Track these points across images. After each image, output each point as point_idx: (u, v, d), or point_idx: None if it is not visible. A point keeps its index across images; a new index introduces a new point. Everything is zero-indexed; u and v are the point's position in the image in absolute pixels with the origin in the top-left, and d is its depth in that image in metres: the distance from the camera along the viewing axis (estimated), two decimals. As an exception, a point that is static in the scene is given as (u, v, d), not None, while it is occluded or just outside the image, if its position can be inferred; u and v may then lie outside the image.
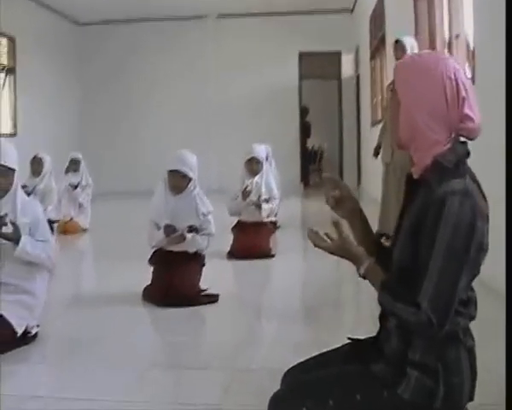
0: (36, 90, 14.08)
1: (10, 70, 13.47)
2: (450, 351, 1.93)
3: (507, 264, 1.91)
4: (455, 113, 1.92)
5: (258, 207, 6.48)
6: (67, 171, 9.06)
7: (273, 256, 6.37)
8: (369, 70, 12.68)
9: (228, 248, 6.42)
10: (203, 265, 4.76)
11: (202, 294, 4.66)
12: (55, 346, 3.75)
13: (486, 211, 1.92)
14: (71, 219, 8.88)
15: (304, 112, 16.76)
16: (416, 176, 2.03)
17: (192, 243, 4.62)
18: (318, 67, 16.28)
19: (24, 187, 6.86)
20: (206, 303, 4.52)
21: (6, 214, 3.51)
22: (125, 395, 2.96)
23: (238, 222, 6.59)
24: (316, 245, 2.08)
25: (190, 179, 4.61)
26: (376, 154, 7.27)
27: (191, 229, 4.61)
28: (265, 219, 6.61)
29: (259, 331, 4.16)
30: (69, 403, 2.88)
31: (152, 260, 4.75)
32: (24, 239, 3.52)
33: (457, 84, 1.91)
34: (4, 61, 13.37)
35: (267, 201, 6.51)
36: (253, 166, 6.44)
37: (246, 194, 6.36)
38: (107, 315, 4.39)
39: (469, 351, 1.97)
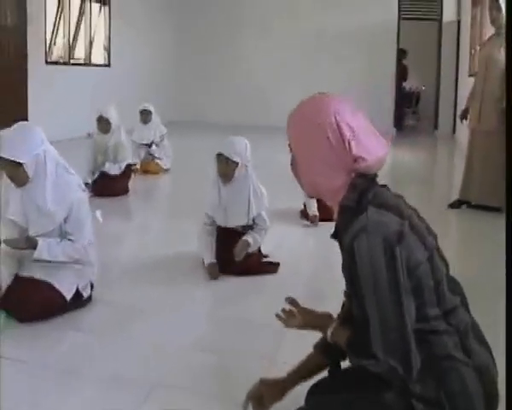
0: (130, 21, 14.14)
1: (105, 0, 13.55)
2: (450, 377, 1.81)
3: (507, 265, 1.83)
4: (345, 156, 1.86)
5: None
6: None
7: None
8: (469, 17, 12.05)
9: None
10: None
11: (263, 260, 4.63)
12: (105, 314, 3.77)
13: (405, 224, 1.81)
14: (152, 159, 8.96)
15: (401, 54, 16.20)
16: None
17: (254, 245, 4.50)
18: (419, 8, 15.63)
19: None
20: (264, 273, 4.47)
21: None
22: (165, 379, 2.96)
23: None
24: (287, 326, 2.21)
25: (237, 165, 4.39)
26: (463, 117, 6.95)
27: (244, 229, 4.52)
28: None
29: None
30: (105, 383, 2.91)
31: (214, 226, 4.70)
32: (40, 247, 3.48)
33: (340, 127, 1.85)
34: (100, -8, 13.48)
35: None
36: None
37: None
38: (165, 281, 4.37)
39: (478, 369, 1.83)
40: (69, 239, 3.59)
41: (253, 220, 4.52)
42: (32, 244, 3.48)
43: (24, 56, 10.77)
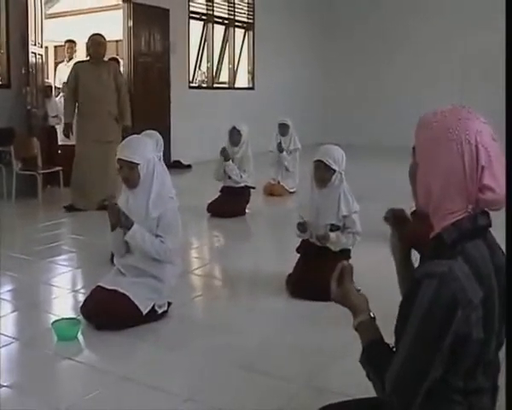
0: (275, 45, 14.58)
1: (248, 26, 14.15)
2: None
3: (507, 266, 1.76)
4: (473, 182, 1.73)
5: None
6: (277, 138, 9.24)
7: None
8: None
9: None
10: (348, 258, 4.75)
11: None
12: (176, 329, 4.06)
13: (481, 299, 1.70)
14: (278, 182, 9.24)
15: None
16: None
17: (336, 243, 4.62)
18: None
19: (223, 150, 7.51)
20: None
21: (116, 204, 3.96)
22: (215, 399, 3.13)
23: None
24: (331, 294, 2.07)
25: (334, 172, 4.60)
26: None
27: (333, 228, 4.62)
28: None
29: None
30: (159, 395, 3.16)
31: (299, 249, 4.87)
32: (135, 228, 3.88)
33: (477, 150, 1.72)
34: (244, 19, 14.09)
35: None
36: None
37: None
38: (241, 304, 4.62)
39: None
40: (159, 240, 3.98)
41: (344, 224, 4.64)
42: (128, 223, 3.90)
43: (167, 82, 11.62)
